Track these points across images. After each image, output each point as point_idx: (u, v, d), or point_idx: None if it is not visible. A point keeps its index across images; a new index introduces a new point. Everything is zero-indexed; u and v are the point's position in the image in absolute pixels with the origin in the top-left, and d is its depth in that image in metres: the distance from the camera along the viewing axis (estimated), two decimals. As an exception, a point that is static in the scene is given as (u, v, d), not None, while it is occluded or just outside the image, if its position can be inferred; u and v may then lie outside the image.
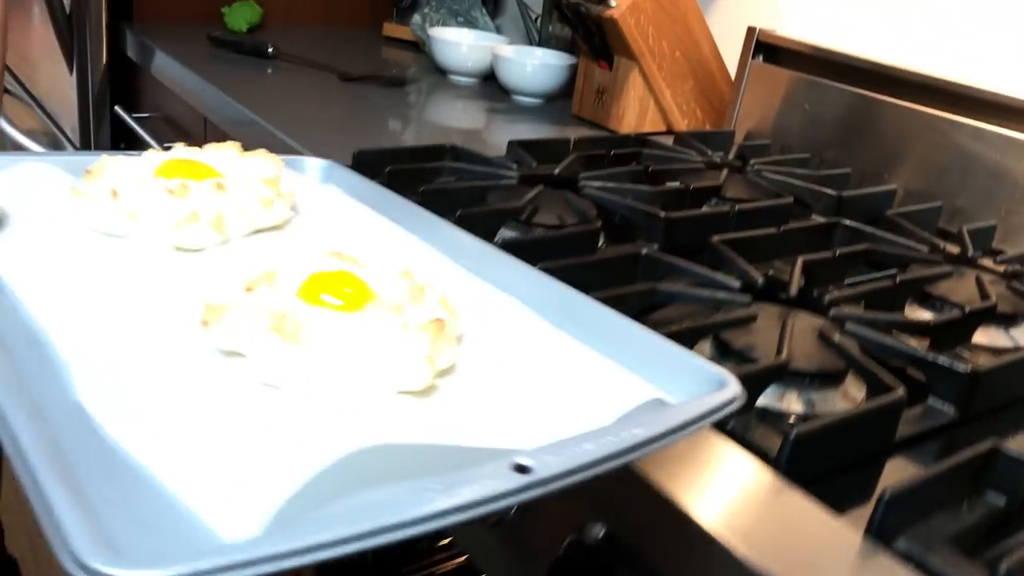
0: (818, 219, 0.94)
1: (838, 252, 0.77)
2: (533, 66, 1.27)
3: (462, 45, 1.35)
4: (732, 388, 0.39)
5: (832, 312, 0.65)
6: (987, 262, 0.87)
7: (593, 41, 1.13)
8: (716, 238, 0.76)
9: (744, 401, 0.39)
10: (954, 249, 0.88)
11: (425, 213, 0.58)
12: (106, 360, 0.35)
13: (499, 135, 1.19)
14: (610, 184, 0.87)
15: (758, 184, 0.97)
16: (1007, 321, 0.77)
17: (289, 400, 0.35)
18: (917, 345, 0.65)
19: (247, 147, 0.58)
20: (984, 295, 0.75)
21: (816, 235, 0.85)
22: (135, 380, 0.35)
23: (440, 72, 1.41)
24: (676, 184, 0.95)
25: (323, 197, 0.60)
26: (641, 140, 1.07)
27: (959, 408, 0.59)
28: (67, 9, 1.43)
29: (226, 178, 0.52)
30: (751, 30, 1.17)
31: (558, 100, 1.31)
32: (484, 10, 1.49)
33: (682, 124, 1.20)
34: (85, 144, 1.49)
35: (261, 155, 0.55)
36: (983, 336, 0.75)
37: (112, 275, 0.44)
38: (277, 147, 0.98)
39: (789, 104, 1.16)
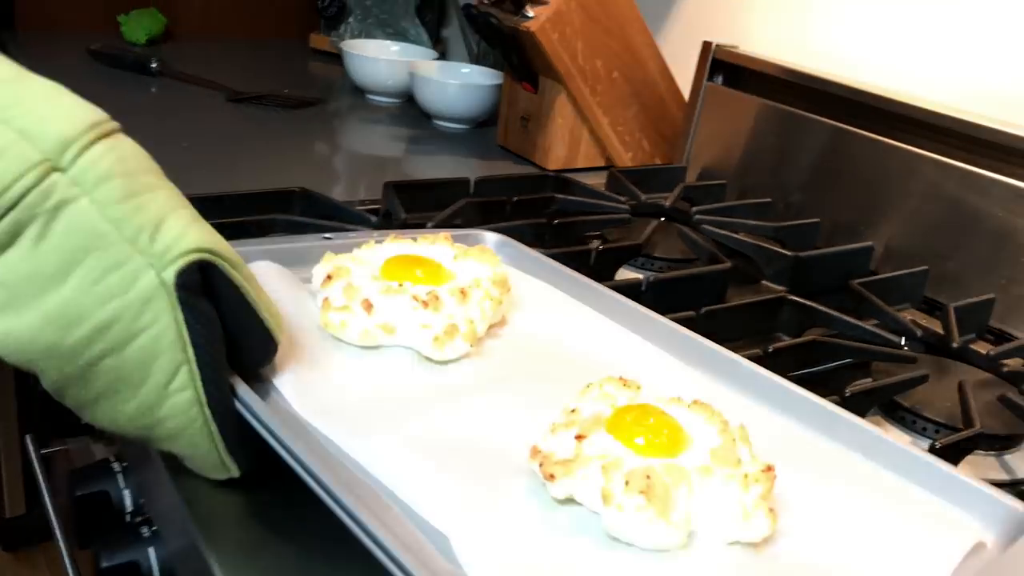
0: (766, 290, 0.74)
1: (771, 348, 0.57)
2: (455, 87, 1.08)
3: (379, 60, 1.16)
4: None
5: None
6: (981, 348, 0.67)
7: (512, 59, 0.94)
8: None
9: None
10: (938, 329, 0.68)
11: (608, 291, 0.58)
12: (468, 522, 0.36)
13: (404, 169, 1.00)
14: (493, 244, 0.67)
15: (695, 240, 0.77)
16: (1001, 443, 0.58)
17: (637, 552, 0.36)
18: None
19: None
20: (967, 415, 0.55)
21: (751, 317, 0.65)
22: (504, 543, 0.35)
23: (360, 91, 1.23)
24: (590, 241, 0.75)
25: (512, 277, 0.59)
26: (562, 180, 0.87)
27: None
28: (-59, 16, 1.26)
29: (459, 280, 0.52)
30: (707, 46, 0.97)
31: (489, 126, 1.12)
32: (418, 20, 1.30)
33: (626, 158, 1.01)
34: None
35: (478, 252, 0.55)
36: (969, 467, 0.55)
37: (401, 401, 0.44)
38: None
39: (752, 136, 0.96)
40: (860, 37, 0.93)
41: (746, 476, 0.38)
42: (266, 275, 0.51)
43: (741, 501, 0.37)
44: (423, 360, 0.48)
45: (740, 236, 0.78)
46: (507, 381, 0.47)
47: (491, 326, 0.53)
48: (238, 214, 0.69)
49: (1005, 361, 0.65)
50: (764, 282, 0.76)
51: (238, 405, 0.38)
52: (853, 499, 0.42)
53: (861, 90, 0.86)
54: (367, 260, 0.53)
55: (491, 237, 0.64)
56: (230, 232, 0.65)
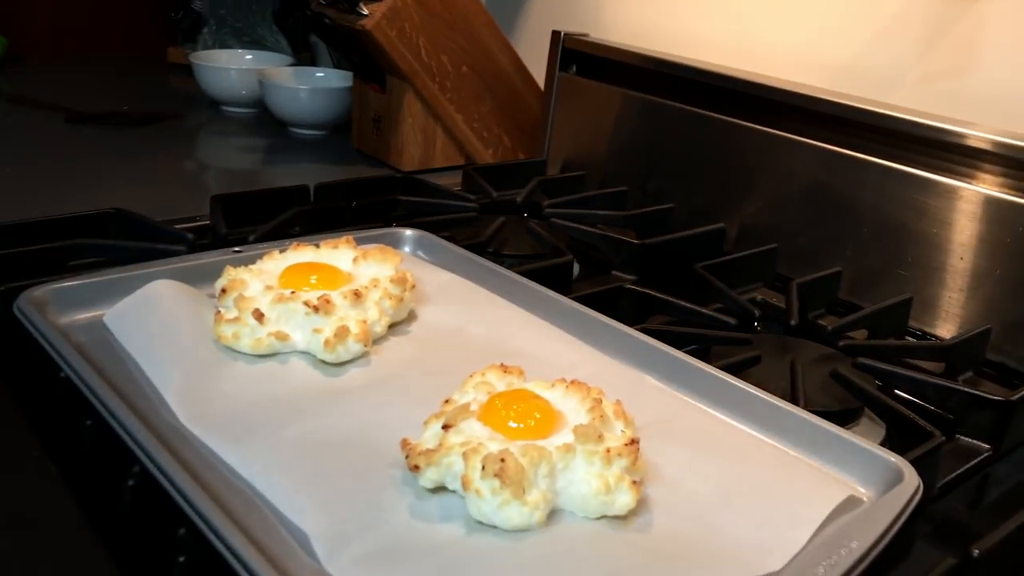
0: (615, 281, 0.72)
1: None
2: (306, 92, 1.04)
3: (229, 70, 1.12)
4: (913, 477, 0.41)
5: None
6: (828, 323, 0.66)
7: (354, 59, 0.91)
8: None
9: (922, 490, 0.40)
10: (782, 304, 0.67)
11: (521, 280, 0.59)
12: (331, 517, 0.36)
13: (260, 180, 0.96)
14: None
15: (541, 234, 0.75)
16: (837, 420, 0.56)
17: (501, 534, 0.37)
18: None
19: None
20: (794, 394, 0.53)
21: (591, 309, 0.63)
22: (366, 535, 0.36)
23: (217, 104, 1.18)
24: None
25: (424, 272, 0.61)
26: (411, 182, 0.84)
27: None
28: None
29: (356, 282, 0.53)
30: (556, 35, 0.95)
31: (347, 131, 1.08)
32: (275, 28, 1.26)
33: (486, 155, 0.98)
34: None
35: (379, 253, 0.56)
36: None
37: (286, 406, 0.44)
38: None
39: (609, 126, 0.94)
40: (710, 19, 0.92)
41: (608, 451, 0.38)
42: (165, 293, 0.52)
43: (603, 476, 0.38)
44: (320, 363, 0.49)
45: (591, 227, 0.76)
46: (401, 377, 0.48)
47: (398, 322, 0.54)
48: (42, 241, 0.64)
49: (849, 334, 0.64)
50: (615, 272, 0.74)
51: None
52: (732, 466, 0.42)
53: (710, 72, 0.85)
54: (267, 271, 0.54)
55: (409, 233, 0.67)
56: (28, 262, 0.61)
